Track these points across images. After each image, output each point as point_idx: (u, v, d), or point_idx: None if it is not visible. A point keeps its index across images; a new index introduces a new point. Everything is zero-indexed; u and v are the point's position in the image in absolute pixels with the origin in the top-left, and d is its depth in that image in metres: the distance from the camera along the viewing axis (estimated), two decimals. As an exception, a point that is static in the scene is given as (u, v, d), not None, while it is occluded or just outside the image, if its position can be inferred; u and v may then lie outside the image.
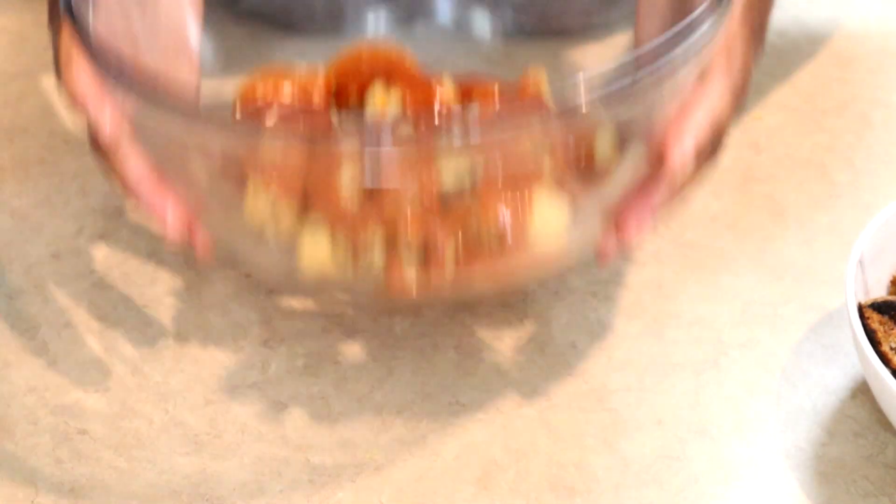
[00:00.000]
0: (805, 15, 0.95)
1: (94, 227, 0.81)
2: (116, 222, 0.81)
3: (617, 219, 0.67)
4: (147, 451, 0.70)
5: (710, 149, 0.68)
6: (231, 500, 0.68)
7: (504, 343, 0.74)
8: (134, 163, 0.67)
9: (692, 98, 0.67)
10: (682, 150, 0.66)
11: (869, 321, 0.67)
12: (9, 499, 0.68)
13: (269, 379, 0.73)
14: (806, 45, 0.92)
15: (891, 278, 0.71)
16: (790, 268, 0.78)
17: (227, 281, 0.78)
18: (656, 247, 0.79)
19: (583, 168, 0.66)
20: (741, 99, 0.69)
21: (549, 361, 0.74)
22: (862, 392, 0.71)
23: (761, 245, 0.79)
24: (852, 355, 0.72)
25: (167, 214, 0.67)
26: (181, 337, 0.75)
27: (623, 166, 0.67)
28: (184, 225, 0.67)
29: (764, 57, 0.91)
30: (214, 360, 0.74)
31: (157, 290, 0.77)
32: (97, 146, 0.68)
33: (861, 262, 0.69)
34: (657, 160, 0.66)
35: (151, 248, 0.80)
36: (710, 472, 0.68)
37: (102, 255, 0.80)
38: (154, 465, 0.69)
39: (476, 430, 0.70)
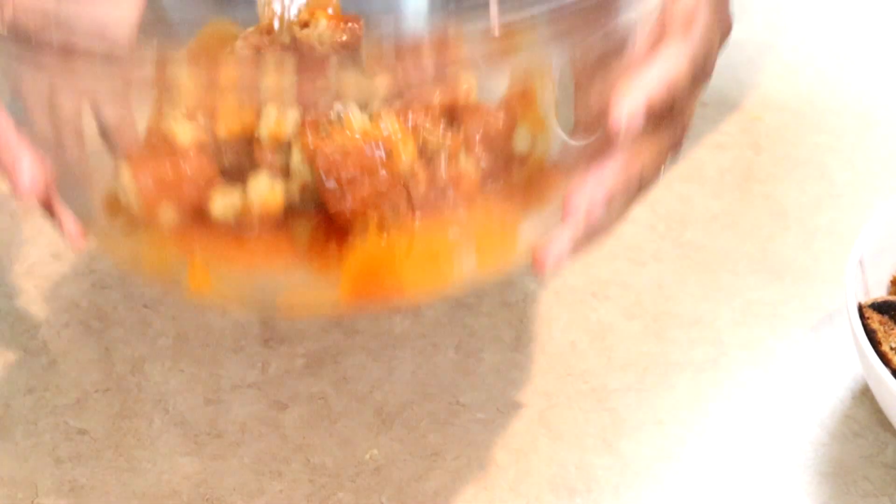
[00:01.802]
0: (804, 15, 0.95)
1: (94, 227, 0.81)
2: (116, 222, 0.81)
3: (564, 204, 0.58)
4: (147, 451, 0.70)
5: (667, 122, 0.59)
6: (231, 500, 0.68)
7: (504, 343, 0.74)
8: None
9: (642, 57, 0.58)
10: (630, 106, 0.57)
11: (869, 321, 0.67)
12: (9, 499, 0.68)
13: (269, 379, 0.73)
14: (805, 45, 0.92)
15: (891, 278, 0.71)
16: (790, 268, 0.78)
17: (227, 281, 0.78)
18: (656, 247, 0.79)
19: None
20: (701, 73, 0.60)
21: (549, 361, 0.74)
22: (862, 392, 0.71)
23: (761, 245, 0.79)
24: (852, 355, 0.72)
25: (22, 171, 0.56)
26: (181, 337, 0.75)
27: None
28: (42, 189, 0.57)
29: (763, 58, 0.91)
30: (214, 360, 0.74)
31: (157, 290, 0.77)
32: None
33: (861, 262, 0.69)
34: (601, 124, 0.57)
35: (151, 248, 0.80)
36: (710, 472, 0.68)
37: (102, 255, 0.79)
38: (154, 465, 0.69)
39: (476, 430, 0.70)
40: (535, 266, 0.59)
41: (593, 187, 0.58)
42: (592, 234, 0.58)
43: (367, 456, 0.69)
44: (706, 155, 0.85)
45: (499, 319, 0.76)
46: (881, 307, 0.67)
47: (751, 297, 0.76)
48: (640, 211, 0.81)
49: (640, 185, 0.59)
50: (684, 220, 0.81)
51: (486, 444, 0.70)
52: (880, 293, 0.70)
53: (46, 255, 0.80)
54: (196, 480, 0.68)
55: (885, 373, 0.64)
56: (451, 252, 0.60)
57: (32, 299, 0.77)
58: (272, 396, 0.72)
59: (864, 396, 0.71)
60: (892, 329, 0.67)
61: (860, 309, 0.67)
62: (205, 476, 0.69)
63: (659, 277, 0.78)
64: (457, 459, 0.69)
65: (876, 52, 0.92)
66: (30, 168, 0.56)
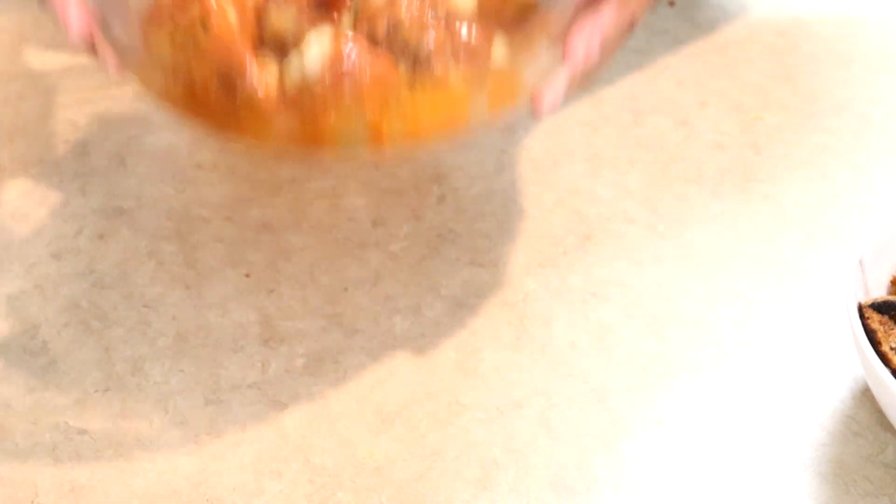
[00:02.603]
0: (805, 15, 0.95)
1: (94, 227, 0.81)
2: (116, 222, 0.81)
3: (564, 47, 0.64)
4: (147, 451, 0.70)
5: (620, 35, 0.65)
6: (231, 500, 0.68)
7: (504, 343, 0.74)
8: None
9: None
10: (585, 45, 0.63)
11: (869, 321, 0.67)
12: (9, 499, 0.68)
13: (269, 379, 0.73)
14: (806, 45, 0.92)
15: (891, 278, 0.71)
16: (790, 268, 0.78)
17: (227, 281, 0.78)
18: (656, 247, 0.79)
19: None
20: None
21: (549, 361, 0.74)
22: (862, 392, 0.71)
23: (761, 245, 0.79)
24: (852, 355, 0.72)
25: (70, 17, 0.65)
26: (181, 337, 0.75)
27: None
28: (87, 30, 0.65)
29: (763, 57, 0.91)
30: (214, 360, 0.74)
31: (157, 290, 0.77)
32: None
33: (861, 262, 0.69)
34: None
35: (151, 248, 0.80)
36: (709, 472, 0.68)
37: (102, 255, 0.80)
38: (154, 465, 0.69)
39: (476, 430, 0.70)
40: (533, 107, 0.65)
41: (591, 31, 0.63)
42: (586, 75, 0.64)
43: (367, 456, 0.69)
44: (706, 155, 0.85)
45: (499, 319, 0.76)
46: (881, 307, 0.67)
47: (751, 297, 0.76)
48: (640, 211, 0.81)
49: (630, 26, 0.64)
50: (684, 220, 0.81)
51: (486, 444, 0.70)
52: (880, 293, 0.70)
53: (46, 255, 0.80)
54: (196, 480, 0.68)
55: (885, 373, 0.64)
56: (468, 94, 0.64)
57: (32, 299, 0.77)
58: (272, 396, 0.72)
59: (864, 396, 0.71)
60: (892, 329, 0.67)
61: (860, 309, 0.67)
62: (205, 476, 0.69)
63: (659, 278, 0.78)
64: (457, 459, 0.69)
65: (876, 52, 0.92)
66: (76, 12, 0.65)
